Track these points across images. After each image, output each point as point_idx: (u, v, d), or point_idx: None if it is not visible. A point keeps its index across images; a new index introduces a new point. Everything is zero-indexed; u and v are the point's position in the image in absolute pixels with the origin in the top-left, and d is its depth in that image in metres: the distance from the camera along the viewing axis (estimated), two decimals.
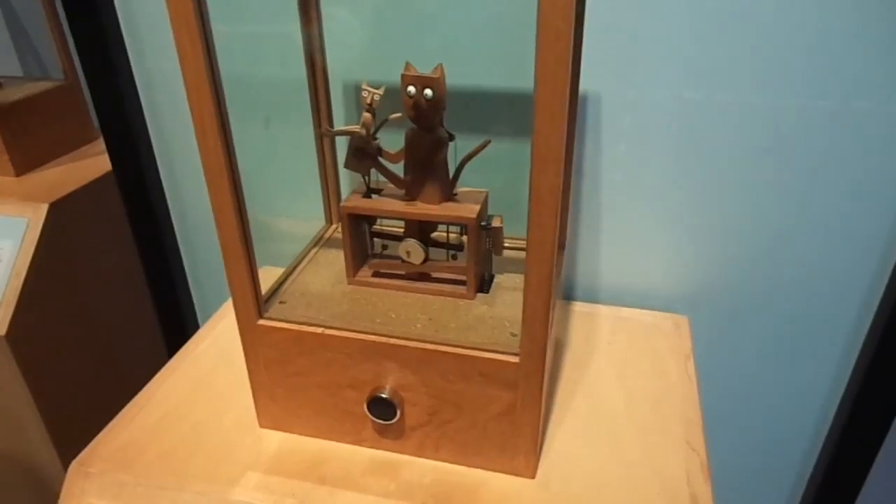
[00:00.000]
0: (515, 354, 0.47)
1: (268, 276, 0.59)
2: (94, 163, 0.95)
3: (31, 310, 0.82)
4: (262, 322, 0.52)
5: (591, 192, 0.70)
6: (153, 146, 0.82)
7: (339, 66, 0.63)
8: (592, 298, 0.76)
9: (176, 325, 0.92)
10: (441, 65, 0.46)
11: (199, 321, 0.93)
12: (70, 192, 0.89)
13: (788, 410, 0.78)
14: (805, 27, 0.58)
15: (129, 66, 0.78)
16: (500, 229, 0.54)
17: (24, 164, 0.94)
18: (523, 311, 0.45)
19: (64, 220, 0.86)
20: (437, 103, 0.47)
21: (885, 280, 0.67)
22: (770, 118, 0.62)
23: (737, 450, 0.81)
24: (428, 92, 0.47)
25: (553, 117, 0.38)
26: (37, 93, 0.96)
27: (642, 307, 0.73)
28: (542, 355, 0.46)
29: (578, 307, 0.73)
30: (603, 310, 0.73)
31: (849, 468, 0.76)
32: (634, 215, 0.71)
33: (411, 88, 0.47)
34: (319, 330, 0.51)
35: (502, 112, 0.66)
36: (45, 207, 0.85)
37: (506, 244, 0.56)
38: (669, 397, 0.60)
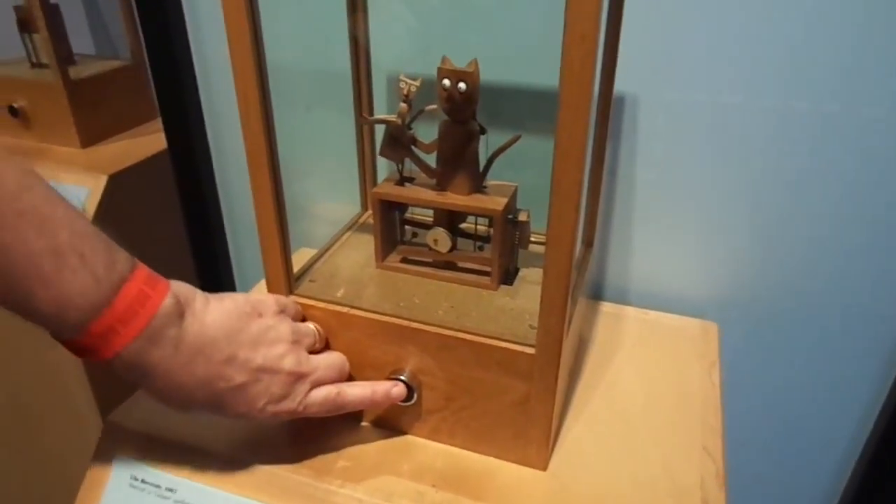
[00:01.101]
0: (531, 346, 0.48)
1: (302, 257, 0.61)
2: (152, 140, 1.00)
3: None
4: (291, 298, 0.54)
5: (625, 191, 0.70)
6: (206, 128, 0.86)
7: (383, 58, 0.65)
8: (621, 300, 0.76)
9: (216, 287, 0.96)
10: (475, 60, 0.48)
11: (237, 288, 0.97)
12: (129, 166, 0.94)
13: (819, 426, 0.76)
14: (850, 29, 0.57)
15: (189, 51, 0.81)
16: (526, 224, 0.55)
17: (90, 136, 1.00)
18: (541, 304, 0.46)
19: (121, 191, 0.91)
20: (470, 96, 0.49)
21: None
22: (810, 124, 0.61)
23: (761, 462, 0.80)
24: (462, 85, 0.48)
25: (576, 114, 0.39)
26: (106, 71, 1.01)
27: (672, 311, 0.73)
28: (558, 348, 0.47)
29: (606, 307, 0.74)
30: (630, 311, 0.73)
31: (882, 489, 0.74)
32: (667, 217, 0.70)
33: (446, 81, 0.49)
34: (345, 309, 0.53)
35: (539, 108, 0.66)
36: (104, 179, 0.90)
37: (533, 239, 0.57)
38: (690, 402, 0.60)
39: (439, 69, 0.49)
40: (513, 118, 0.66)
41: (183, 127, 0.88)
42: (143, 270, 0.42)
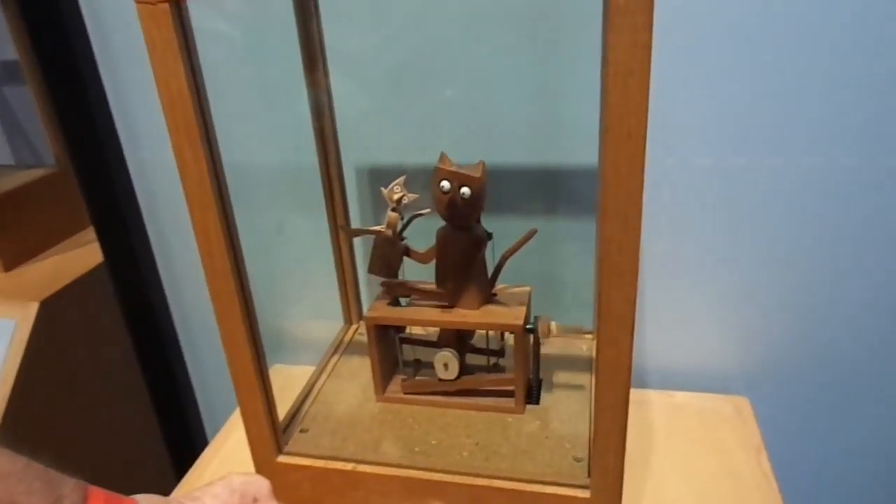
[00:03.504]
0: (584, 487, 0.40)
1: (280, 381, 0.52)
2: (86, 253, 0.89)
3: (20, 419, 0.74)
4: (281, 459, 0.45)
5: None
6: (149, 238, 0.76)
7: (354, 149, 0.58)
8: (640, 383, 0.68)
9: (179, 424, 0.85)
10: (483, 162, 0.40)
11: (204, 421, 0.86)
12: (62, 287, 0.82)
13: (869, 493, 0.70)
14: (862, 83, 0.53)
15: (122, 156, 0.72)
16: (546, 329, 0.47)
17: (14, 258, 0.88)
18: (594, 441, 0.38)
19: (55, 318, 0.80)
20: (475, 202, 0.41)
21: None
22: (825, 181, 0.57)
23: None
24: (465, 190, 0.41)
25: (627, 224, 0.32)
26: (28, 181, 0.90)
27: (695, 389, 0.66)
28: (619, 488, 0.39)
29: None
30: (654, 396, 0.66)
31: None
32: (680, 290, 0.64)
33: (445, 184, 0.41)
34: (349, 466, 0.44)
35: (529, 189, 0.60)
36: (35, 306, 0.79)
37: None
38: (750, 502, 0.53)
39: (438, 169, 0.41)
40: (502, 200, 0.59)
41: (121, 235, 0.78)
42: (99, 495, 0.32)
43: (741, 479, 0.55)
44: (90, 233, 0.88)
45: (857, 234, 0.59)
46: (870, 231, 0.58)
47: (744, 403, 0.64)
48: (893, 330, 0.62)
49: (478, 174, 0.40)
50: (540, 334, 0.45)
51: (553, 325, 0.45)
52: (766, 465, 0.57)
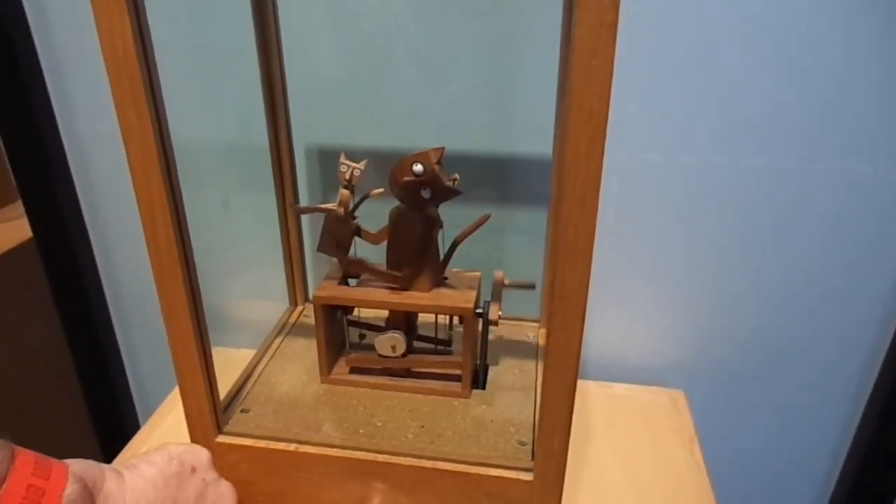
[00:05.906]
0: (528, 470, 0.41)
1: (221, 363, 0.50)
2: (14, 228, 0.84)
3: None
4: (221, 439, 0.43)
5: None
6: (82, 213, 0.73)
7: (305, 129, 0.57)
8: (581, 373, 0.70)
9: (109, 407, 0.81)
10: (443, 147, 0.40)
11: (136, 405, 0.82)
12: None
13: (793, 481, 0.73)
14: (804, 91, 0.55)
15: (56, 126, 0.68)
16: (496, 317, 0.47)
17: None
18: (539, 425, 0.39)
19: None
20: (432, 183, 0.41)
21: (887, 344, 0.64)
22: (768, 182, 0.59)
23: None
24: (418, 168, 0.40)
25: (584, 206, 0.33)
26: None
27: (633, 381, 0.68)
28: (562, 472, 0.40)
29: None
30: (592, 387, 0.67)
31: None
32: (622, 282, 0.66)
33: (418, 167, 0.40)
34: (292, 447, 0.43)
35: (479, 176, 0.60)
36: None
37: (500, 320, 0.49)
38: (682, 490, 0.54)
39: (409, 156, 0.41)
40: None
41: (51, 210, 0.74)
42: (28, 457, 0.30)
43: (675, 467, 0.57)
44: (18, 206, 0.83)
45: (794, 233, 0.61)
46: (806, 230, 0.61)
47: (680, 396, 0.66)
48: (821, 329, 0.65)
49: (436, 156, 0.40)
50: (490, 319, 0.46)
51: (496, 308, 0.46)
52: (699, 455, 0.59)
